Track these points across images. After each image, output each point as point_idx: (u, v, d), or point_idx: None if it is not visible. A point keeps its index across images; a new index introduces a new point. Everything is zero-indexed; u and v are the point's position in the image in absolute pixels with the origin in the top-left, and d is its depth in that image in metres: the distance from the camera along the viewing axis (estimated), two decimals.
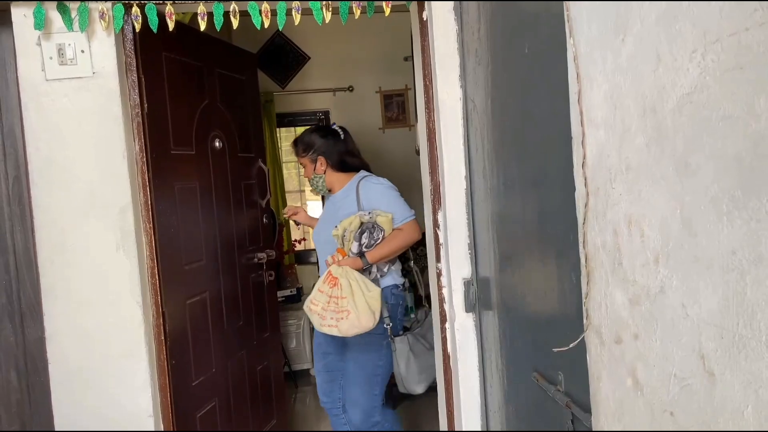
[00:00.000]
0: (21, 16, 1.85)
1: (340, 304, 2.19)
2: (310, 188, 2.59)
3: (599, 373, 0.99)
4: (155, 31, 1.87)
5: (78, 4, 1.84)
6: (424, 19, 1.98)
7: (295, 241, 4.48)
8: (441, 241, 2.03)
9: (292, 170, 4.92)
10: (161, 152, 2.09)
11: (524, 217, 1.44)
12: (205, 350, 2.36)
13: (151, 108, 2.02)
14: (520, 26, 1.37)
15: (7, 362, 2.00)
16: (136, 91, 1.95)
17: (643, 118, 0.79)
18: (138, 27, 1.87)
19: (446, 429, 2.10)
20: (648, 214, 0.81)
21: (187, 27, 2.35)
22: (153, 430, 1.97)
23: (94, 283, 1.91)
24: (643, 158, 0.80)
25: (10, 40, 1.90)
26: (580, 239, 1.00)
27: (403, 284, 2.47)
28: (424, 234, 2.30)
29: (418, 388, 2.43)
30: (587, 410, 1.09)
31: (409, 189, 3.68)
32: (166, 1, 1.86)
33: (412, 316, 3.79)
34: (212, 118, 2.50)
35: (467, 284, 1.94)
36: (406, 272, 4.26)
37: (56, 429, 1.94)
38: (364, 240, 2.29)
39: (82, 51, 1.87)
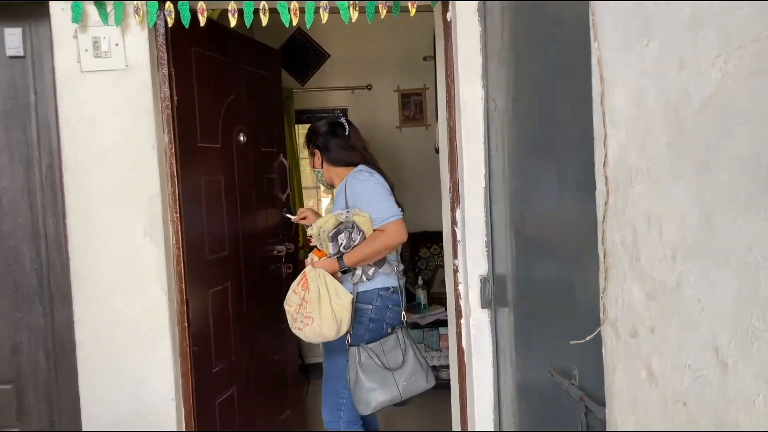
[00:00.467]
0: (59, 10, 1.92)
1: (307, 309, 2.12)
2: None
3: (614, 365, 1.02)
4: (187, 26, 1.93)
5: None
6: (448, 19, 2.02)
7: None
8: (459, 238, 2.07)
9: (308, 166, 4.97)
10: (189, 145, 2.15)
11: (543, 215, 1.47)
12: (225, 339, 2.42)
13: (180, 101, 2.08)
14: (545, 29, 1.41)
15: (36, 344, 2.07)
16: (167, 84, 2.01)
17: (666, 120, 0.83)
18: (171, 22, 1.93)
19: (459, 421, 2.14)
20: (667, 211, 0.84)
21: (215, 23, 2.40)
22: (175, 413, 2.03)
23: (121, 269, 1.97)
24: (664, 158, 0.84)
25: (47, 32, 1.97)
26: (599, 236, 1.03)
27: (399, 286, 2.29)
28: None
29: (361, 407, 2.16)
30: (601, 403, 1.12)
31: (425, 188, 3.73)
32: None
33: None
34: (237, 113, 2.56)
35: (483, 281, 1.97)
36: (418, 270, 4.32)
37: (82, 410, 2.01)
38: (342, 241, 2.15)
39: (116, 44, 1.93)
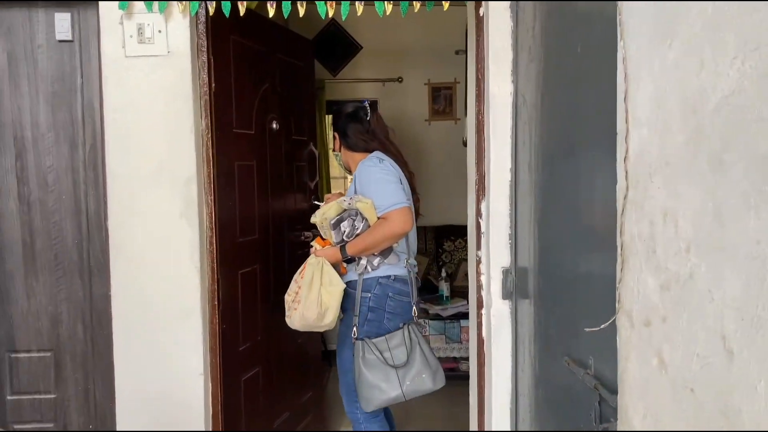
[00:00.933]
0: None
1: (299, 295, 2.10)
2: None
3: (628, 353, 1.06)
4: (227, 15, 2.00)
5: None
6: (481, 15, 2.05)
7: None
8: (483, 230, 2.10)
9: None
10: (224, 130, 2.23)
11: (567, 209, 1.51)
12: (252, 319, 2.50)
13: (218, 88, 2.16)
14: (574, 26, 1.44)
15: (75, 315, 2.18)
16: (206, 71, 2.09)
17: (684, 118, 0.86)
18: (212, 11, 2.00)
19: (476, 409, 2.18)
20: (682, 206, 0.87)
21: (253, 13, 2.47)
22: (203, 388, 2.12)
23: (157, 246, 2.07)
24: (681, 155, 0.87)
25: (94, 19, 2.06)
26: (618, 229, 1.07)
27: (408, 278, 2.22)
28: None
29: (363, 403, 2.12)
30: (614, 392, 1.16)
31: (451, 182, 3.76)
32: None
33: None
34: (271, 101, 2.63)
35: (505, 273, 2.01)
36: (442, 263, 4.35)
37: (116, 379, 2.11)
38: (345, 228, 2.09)
39: (159, 31, 2.01)
